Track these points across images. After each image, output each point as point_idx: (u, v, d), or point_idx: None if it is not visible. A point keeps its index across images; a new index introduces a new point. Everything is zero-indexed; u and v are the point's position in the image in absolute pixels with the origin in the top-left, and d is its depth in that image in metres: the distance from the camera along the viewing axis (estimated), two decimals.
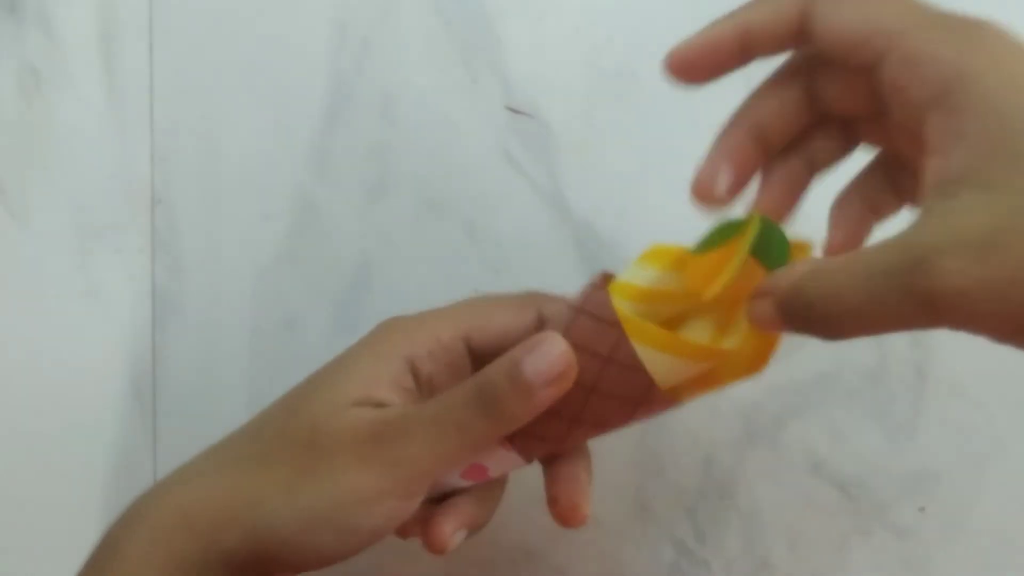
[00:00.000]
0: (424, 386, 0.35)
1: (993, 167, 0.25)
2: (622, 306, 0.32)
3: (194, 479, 0.35)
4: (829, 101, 0.32)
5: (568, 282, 0.40)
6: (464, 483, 0.36)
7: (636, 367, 0.32)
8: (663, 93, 0.45)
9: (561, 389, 0.32)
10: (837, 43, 0.29)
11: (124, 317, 0.48)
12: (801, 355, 0.45)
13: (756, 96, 0.33)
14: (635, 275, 0.34)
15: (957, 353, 0.44)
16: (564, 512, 0.35)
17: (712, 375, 0.34)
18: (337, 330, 0.47)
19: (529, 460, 0.35)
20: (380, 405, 0.33)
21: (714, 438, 0.45)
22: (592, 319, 0.33)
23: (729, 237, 0.32)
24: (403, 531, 0.36)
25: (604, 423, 0.34)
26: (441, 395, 0.33)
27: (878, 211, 0.34)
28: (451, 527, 0.35)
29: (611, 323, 0.32)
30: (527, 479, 0.45)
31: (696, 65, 0.33)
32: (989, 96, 0.26)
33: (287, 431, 0.35)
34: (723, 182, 0.33)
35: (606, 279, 0.34)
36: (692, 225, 0.45)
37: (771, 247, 0.32)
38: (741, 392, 0.43)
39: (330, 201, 0.47)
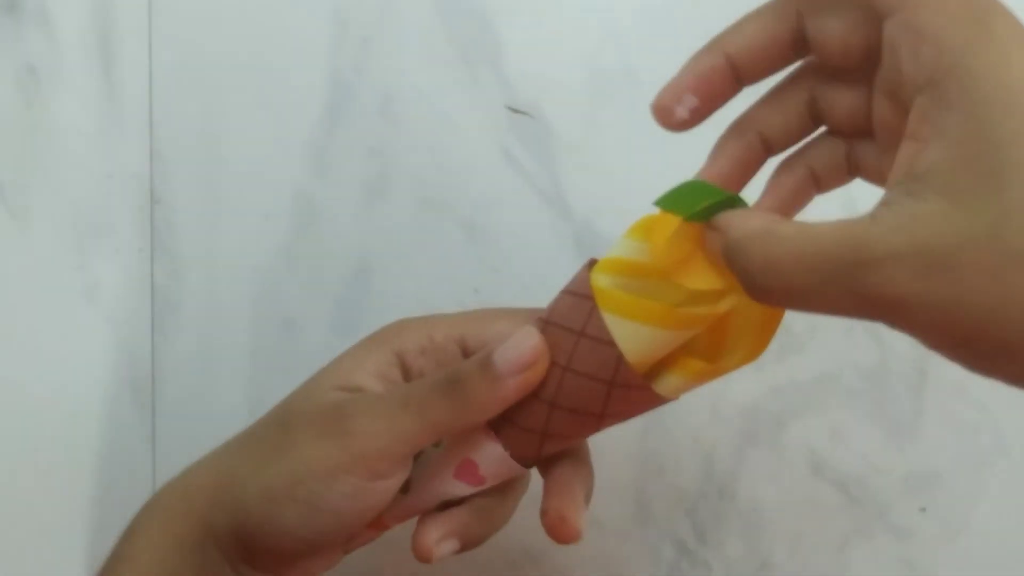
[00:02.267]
0: (413, 380, 0.35)
1: (966, 177, 0.24)
2: (601, 280, 0.31)
3: (201, 463, 0.36)
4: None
5: None
6: (461, 488, 0.35)
7: (604, 339, 0.31)
8: None
9: (529, 380, 0.32)
10: (838, 37, 0.29)
11: (123, 317, 0.48)
12: (801, 355, 0.45)
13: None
14: (622, 248, 0.32)
15: None
16: (552, 524, 0.34)
17: (701, 361, 0.32)
18: (336, 330, 0.47)
19: (522, 461, 0.34)
20: (357, 390, 0.34)
21: (714, 438, 0.45)
22: (571, 296, 0.32)
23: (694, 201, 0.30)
24: (380, 523, 0.35)
25: (582, 408, 0.32)
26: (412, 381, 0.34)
27: (822, 183, 0.33)
28: (436, 534, 0.35)
29: (585, 296, 0.31)
30: (526, 481, 0.45)
31: (686, 110, 0.32)
32: (984, 99, 0.25)
33: (272, 414, 0.36)
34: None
35: (595, 261, 0.33)
36: None
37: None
38: (741, 392, 0.44)
39: (329, 200, 0.47)
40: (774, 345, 0.43)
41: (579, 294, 0.32)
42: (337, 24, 0.47)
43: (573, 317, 0.32)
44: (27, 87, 0.48)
